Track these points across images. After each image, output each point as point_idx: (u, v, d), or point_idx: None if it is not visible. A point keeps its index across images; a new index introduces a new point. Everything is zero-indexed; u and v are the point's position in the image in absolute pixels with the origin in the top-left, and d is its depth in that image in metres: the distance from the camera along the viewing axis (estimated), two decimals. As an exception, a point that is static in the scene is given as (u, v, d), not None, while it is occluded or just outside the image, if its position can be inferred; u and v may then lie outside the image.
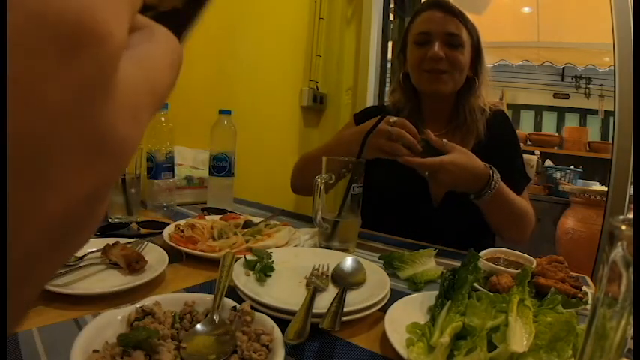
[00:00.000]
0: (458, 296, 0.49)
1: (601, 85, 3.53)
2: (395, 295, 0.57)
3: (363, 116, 1.18)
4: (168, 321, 0.42)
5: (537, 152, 3.25)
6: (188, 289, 0.58)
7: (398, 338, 0.44)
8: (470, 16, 1.06)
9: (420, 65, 1.05)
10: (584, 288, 0.59)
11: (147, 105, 0.14)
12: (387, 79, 2.26)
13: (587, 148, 3.36)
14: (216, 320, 0.43)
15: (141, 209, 1.00)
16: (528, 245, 0.99)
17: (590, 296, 0.58)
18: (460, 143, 1.00)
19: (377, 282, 0.60)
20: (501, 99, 3.67)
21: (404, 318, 0.48)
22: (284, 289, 0.58)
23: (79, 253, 0.63)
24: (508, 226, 1.00)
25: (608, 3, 1.57)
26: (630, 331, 0.23)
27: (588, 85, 3.64)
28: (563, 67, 3.69)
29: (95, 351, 0.36)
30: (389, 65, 2.27)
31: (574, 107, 3.73)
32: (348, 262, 0.64)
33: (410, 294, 0.57)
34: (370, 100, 2.18)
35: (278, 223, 0.88)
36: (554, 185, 3.00)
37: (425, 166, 0.86)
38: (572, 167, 3.12)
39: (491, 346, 0.40)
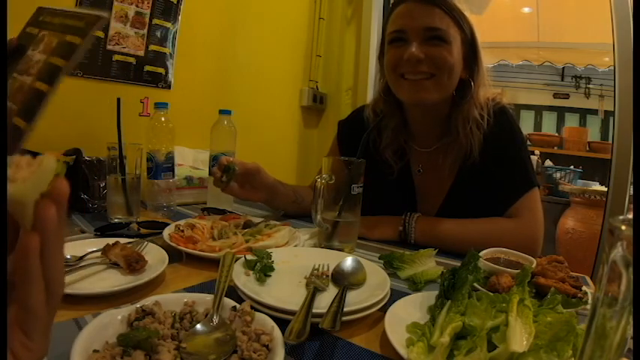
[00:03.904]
0: (458, 296, 0.49)
1: (601, 85, 3.53)
2: (395, 295, 0.57)
3: (349, 123, 1.13)
4: (169, 321, 0.42)
5: (537, 152, 3.26)
6: (188, 289, 0.58)
7: (398, 338, 0.44)
8: (469, 16, 0.90)
9: (395, 69, 0.88)
10: (584, 288, 0.59)
11: None
12: (376, 90, 2.25)
13: (587, 148, 3.36)
14: (216, 320, 0.43)
15: (141, 209, 1.00)
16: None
17: (590, 296, 0.58)
18: (453, 158, 0.94)
19: (377, 282, 0.59)
20: (501, 99, 3.67)
21: (404, 318, 0.48)
22: (284, 289, 0.58)
23: (79, 253, 0.63)
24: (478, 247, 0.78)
25: (608, 3, 1.57)
26: (630, 331, 0.23)
27: (588, 85, 3.65)
28: (563, 67, 3.69)
29: (95, 351, 0.36)
30: (379, 75, 2.26)
31: (574, 107, 3.73)
32: (348, 262, 0.64)
33: (410, 294, 0.57)
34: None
35: (278, 223, 0.88)
36: (554, 185, 3.00)
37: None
38: (572, 167, 3.13)
39: (491, 346, 0.40)
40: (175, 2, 1.41)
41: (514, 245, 0.74)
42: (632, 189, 1.53)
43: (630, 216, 0.22)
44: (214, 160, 1.11)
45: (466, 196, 0.94)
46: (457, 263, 0.63)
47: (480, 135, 0.90)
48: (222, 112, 1.14)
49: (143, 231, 0.83)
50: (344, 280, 0.59)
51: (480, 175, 0.91)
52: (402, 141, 1.00)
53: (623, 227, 0.22)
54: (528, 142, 3.44)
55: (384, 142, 1.00)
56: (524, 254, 0.71)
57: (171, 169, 1.08)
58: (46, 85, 0.32)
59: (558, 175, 3.05)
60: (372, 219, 0.94)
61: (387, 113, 0.99)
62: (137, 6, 1.31)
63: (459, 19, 0.87)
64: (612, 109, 1.60)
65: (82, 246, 0.66)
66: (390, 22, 0.91)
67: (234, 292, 0.53)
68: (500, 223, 0.89)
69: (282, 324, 0.43)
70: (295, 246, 0.77)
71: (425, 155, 1.00)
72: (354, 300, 0.53)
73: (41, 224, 0.26)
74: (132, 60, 1.32)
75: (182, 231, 0.77)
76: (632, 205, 1.54)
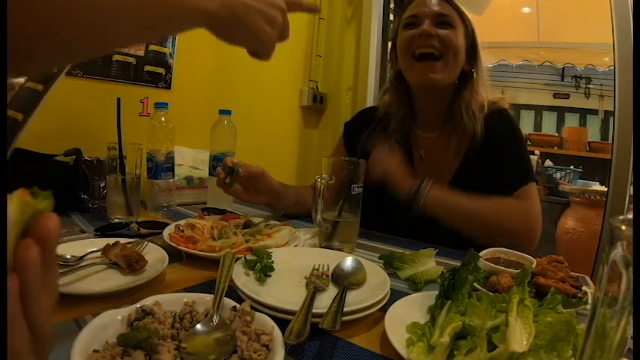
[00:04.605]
0: (458, 296, 0.49)
1: (601, 85, 3.54)
2: (395, 295, 0.57)
3: (355, 124, 1.17)
4: (169, 321, 0.42)
5: (537, 152, 3.26)
6: (188, 289, 0.58)
7: (398, 338, 0.44)
8: (469, 16, 1.01)
9: (409, 47, 0.97)
10: (584, 288, 0.59)
11: None
12: (387, 79, 2.26)
13: (587, 148, 3.37)
14: (216, 320, 0.43)
15: (141, 209, 1.00)
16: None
17: (590, 296, 0.58)
18: (456, 146, 1.00)
19: (377, 282, 0.59)
20: (501, 99, 3.67)
21: (404, 318, 0.48)
22: (284, 289, 0.58)
23: (79, 253, 0.63)
24: (475, 235, 0.86)
25: (608, 3, 1.57)
26: (630, 331, 0.23)
27: (588, 85, 3.65)
28: (563, 67, 3.70)
29: (95, 351, 0.36)
30: (389, 65, 2.27)
31: (574, 107, 3.74)
32: (348, 262, 0.64)
33: (410, 294, 0.57)
34: (370, 101, 2.18)
35: (278, 223, 0.88)
36: (554, 185, 3.00)
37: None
38: (572, 167, 3.13)
39: (491, 346, 0.40)
40: (175, 2, 1.41)
41: (515, 224, 0.85)
42: (632, 189, 1.53)
43: (630, 216, 0.22)
44: (214, 160, 1.11)
45: (466, 187, 0.94)
46: (457, 263, 0.63)
47: (482, 118, 0.97)
48: (222, 112, 1.14)
49: (143, 231, 0.83)
50: (344, 280, 0.59)
51: (481, 166, 0.95)
52: (407, 127, 1.06)
53: (623, 227, 0.22)
54: (528, 142, 3.45)
55: (391, 129, 1.05)
56: (524, 254, 0.71)
57: (172, 169, 1.08)
58: (41, 85, 0.32)
59: (558, 175, 3.06)
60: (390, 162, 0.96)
61: (396, 100, 1.07)
62: (137, 6, 1.31)
63: (463, 16, 0.99)
64: (612, 109, 1.60)
65: (82, 246, 0.66)
66: (405, 12, 1.04)
67: (234, 292, 0.52)
68: (504, 202, 0.91)
69: (282, 324, 0.43)
70: (295, 246, 0.77)
71: (428, 141, 1.04)
72: (354, 300, 0.53)
73: (20, 266, 0.23)
74: (132, 60, 1.32)
75: (182, 231, 0.77)
76: (632, 205, 1.54)
